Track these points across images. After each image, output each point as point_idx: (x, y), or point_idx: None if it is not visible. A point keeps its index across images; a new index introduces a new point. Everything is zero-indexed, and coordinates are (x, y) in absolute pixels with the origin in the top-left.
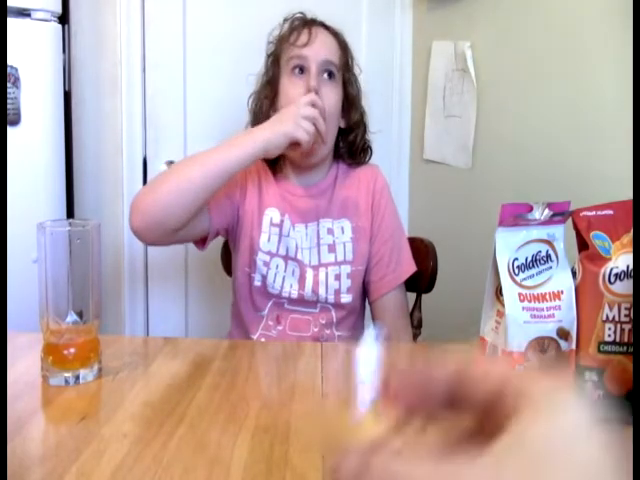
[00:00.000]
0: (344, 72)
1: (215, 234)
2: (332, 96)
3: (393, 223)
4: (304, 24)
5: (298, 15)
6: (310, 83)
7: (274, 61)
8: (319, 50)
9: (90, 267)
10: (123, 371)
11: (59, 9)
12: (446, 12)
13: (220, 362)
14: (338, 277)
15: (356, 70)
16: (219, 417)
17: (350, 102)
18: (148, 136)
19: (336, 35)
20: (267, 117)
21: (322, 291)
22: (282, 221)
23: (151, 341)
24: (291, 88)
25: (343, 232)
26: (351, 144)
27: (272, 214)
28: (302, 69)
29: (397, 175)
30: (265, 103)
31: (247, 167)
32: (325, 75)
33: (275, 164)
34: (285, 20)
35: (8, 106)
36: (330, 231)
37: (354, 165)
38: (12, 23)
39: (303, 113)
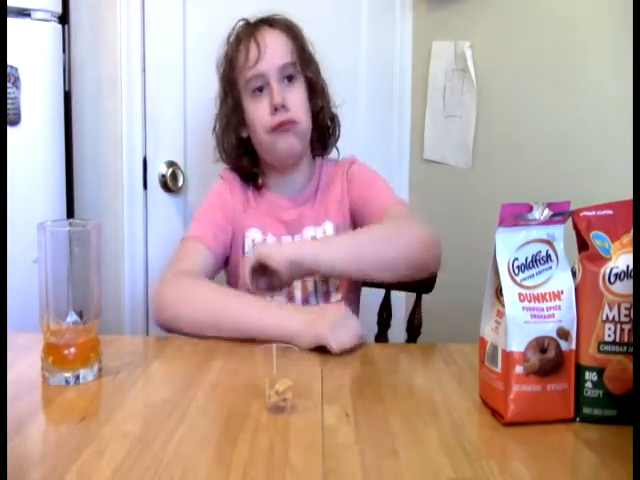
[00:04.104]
0: (301, 64)
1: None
2: (298, 99)
3: (368, 178)
4: (248, 35)
5: (240, 25)
6: (274, 100)
7: (232, 86)
8: (273, 59)
9: (90, 267)
10: (123, 371)
11: (59, 9)
12: (446, 12)
13: (220, 362)
14: (325, 281)
15: (310, 49)
16: (219, 417)
17: (312, 88)
18: (148, 136)
19: (284, 28)
20: (236, 146)
21: (312, 299)
22: (264, 240)
23: (151, 341)
24: (256, 110)
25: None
26: (320, 128)
27: (254, 235)
28: (262, 87)
29: (397, 175)
30: (231, 132)
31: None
32: (286, 80)
33: (256, 178)
34: (229, 36)
35: (8, 106)
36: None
37: (328, 152)
38: (12, 23)
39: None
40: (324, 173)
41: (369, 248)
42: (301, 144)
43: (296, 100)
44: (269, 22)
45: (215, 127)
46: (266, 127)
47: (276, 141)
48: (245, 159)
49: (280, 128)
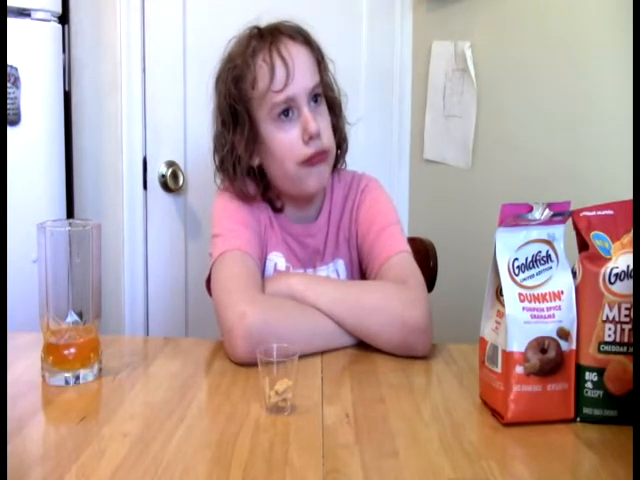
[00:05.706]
0: (323, 82)
1: None
2: (327, 124)
3: (377, 210)
4: (270, 49)
5: (253, 33)
6: (310, 129)
7: (245, 104)
8: (303, 81)
9: (90, 267)
10: (123, 371)
11: (59, 9)
12: (446, 12)
13: (220, 362)
14: None
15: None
16: (219, 417)
17: (331, 106)
18: (148, 136)
19: (305, 40)
20: (250, 175)
21: None
22: (288, 268)
23: (151, 341)
24: (285, 139)
25: (339, 276)
26: (337, 147)
27: (277, 259)
28: (287, 111)
29: (397, 175)
30: (245, 160)
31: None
32: (312, 102)
33: (271, 201)
34: (239, 46)
35: (8, 106)
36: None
37: (337, 167)
38: (12, 23)
39: None
40: (335, 196)
41: (351, 316)
42: (329, 174)
43: (323, 120)
44: (288, 33)
45: (215, 149)
46: (300, 158)
47: (309, 174)
48: (259, 188)
49: (315, 160)
